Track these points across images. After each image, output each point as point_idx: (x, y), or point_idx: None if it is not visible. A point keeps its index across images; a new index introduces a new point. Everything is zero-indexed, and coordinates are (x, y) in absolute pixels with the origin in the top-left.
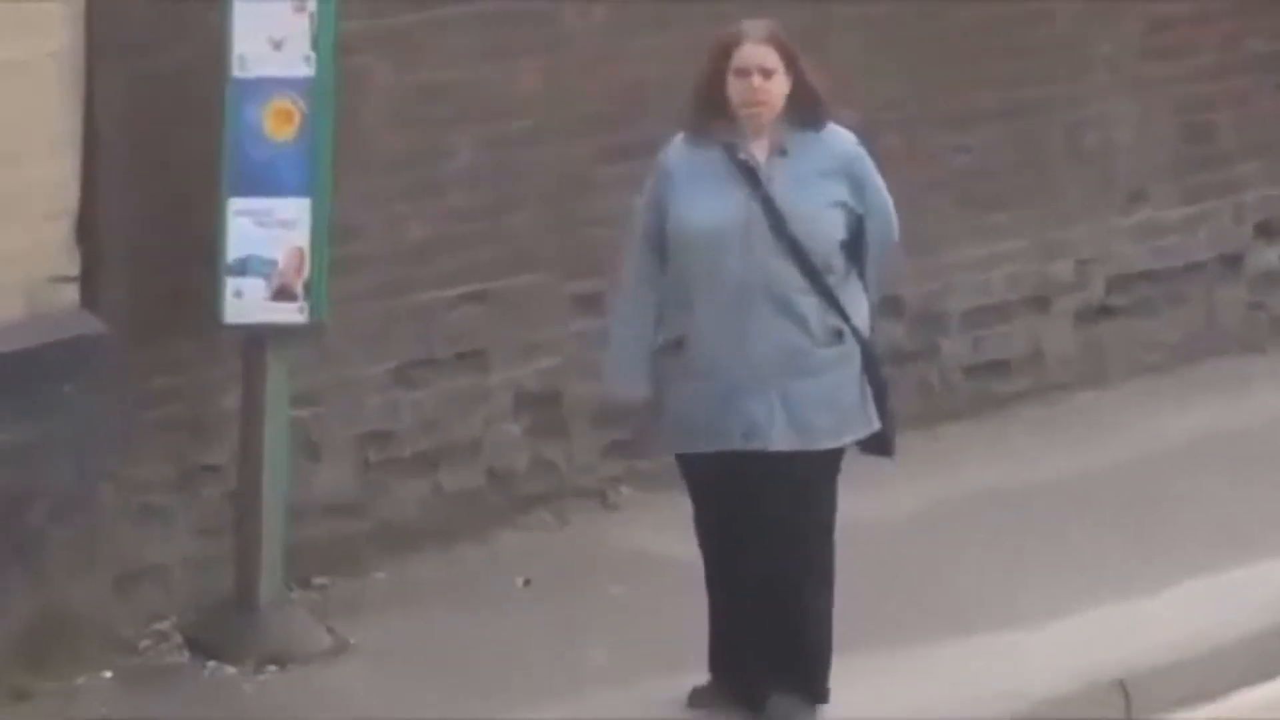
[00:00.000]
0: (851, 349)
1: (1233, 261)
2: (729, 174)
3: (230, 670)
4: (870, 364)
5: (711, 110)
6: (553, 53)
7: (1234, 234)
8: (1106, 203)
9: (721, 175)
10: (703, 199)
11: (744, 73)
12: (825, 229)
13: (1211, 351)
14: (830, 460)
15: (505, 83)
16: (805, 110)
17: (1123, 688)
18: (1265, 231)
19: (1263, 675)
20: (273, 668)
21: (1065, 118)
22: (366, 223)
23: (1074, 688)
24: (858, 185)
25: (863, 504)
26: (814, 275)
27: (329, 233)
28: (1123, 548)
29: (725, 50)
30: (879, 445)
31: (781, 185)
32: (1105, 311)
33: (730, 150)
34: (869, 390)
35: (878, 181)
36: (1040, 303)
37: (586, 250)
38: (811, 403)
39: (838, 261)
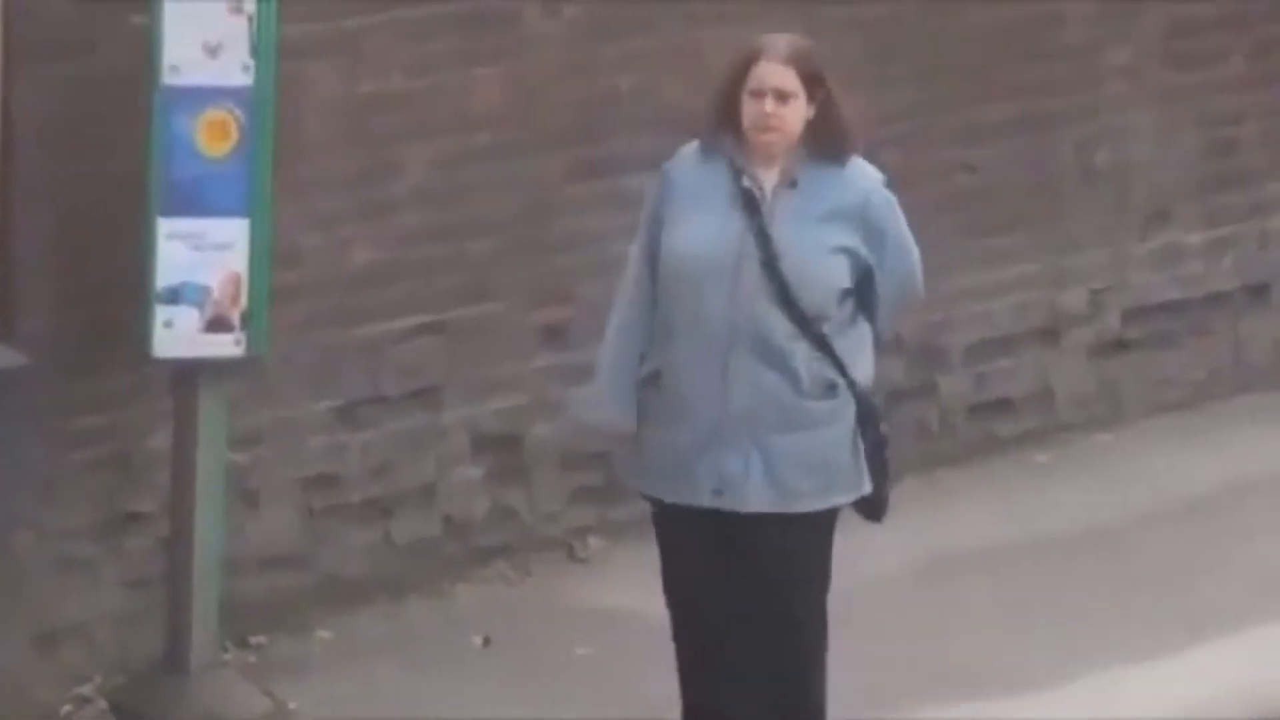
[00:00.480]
0: (845, 403)
1: (1260, 291)
2: (731, 199)
3: None
4: (867, 420)
5: (724, 129)
6: (516, 59)
7: (1262, 261)
8: (1122, 226)
9: (723, 199)
10: (697, 223)
11: (758, 94)
12: (822, 275)
13: (1238, 389)
14: (817, 525)
15: (463, 93)
16: (827, 141)
17: None
18: None
19: None
20: None
21: (1077, 132)
22: (310, 247)
23: None
24: (874, 232)
25: (854, 557)
26: (805, 322)
27: (269, 258)
28: (1142, 607)
29: (743, 65)
30: (868, 509)
31: (782, 221)
32: (1121, 345)
33: (736, 173)
34: (862, 449)
35: (899, 230)
36: (1050, 335)
37: (553, 278)
38: (795, 460)
39: (835, 310)
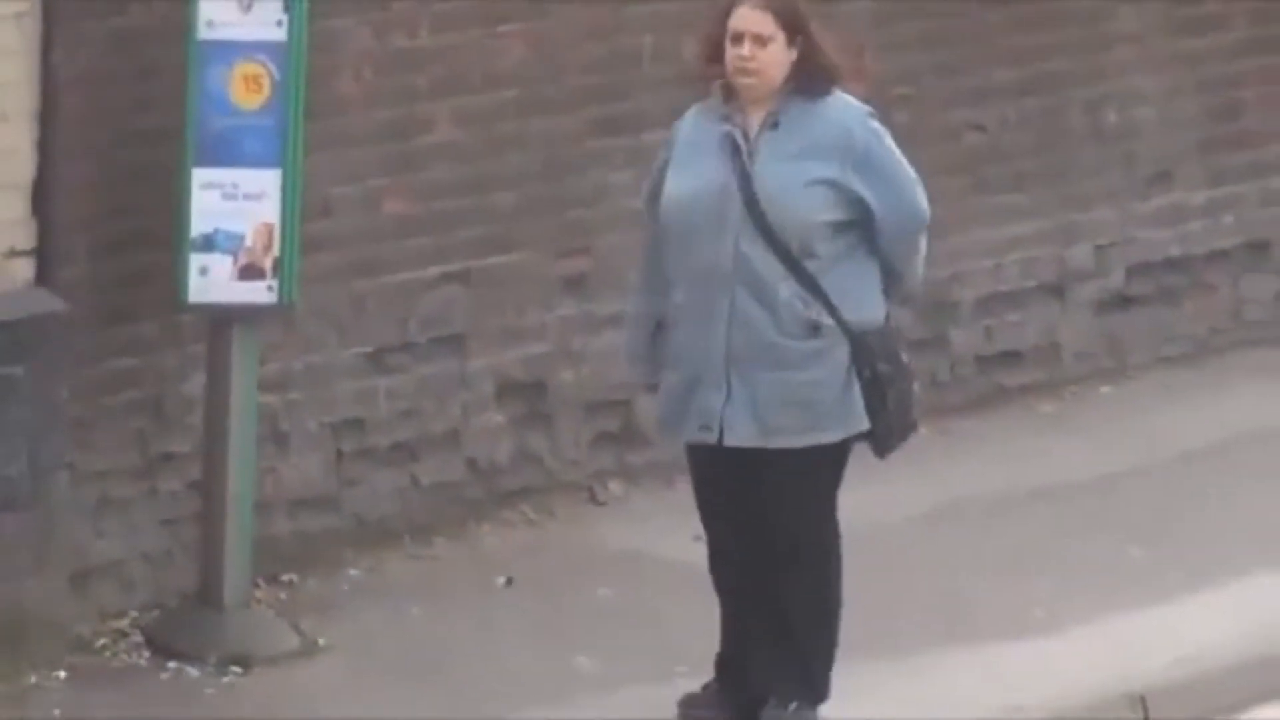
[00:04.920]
0: (834, 343)
1: (1261, 248)
2: (719, 146)
3: (192, 671)
4: (862, 360)
5: (712, 76)
6: (541, 19)
7: (1262, 219)
8: (1128, 185)
9: (713, 147)
10: (688, 172)
11: (737, 39)
12: (801, 210)
13: (1238, 344)
14: (811, 460)
15: (490, 51)
16: (809, 80)
17: (1142, 702)
18: None
19: None
20: (237, 669)
21: (1085, 94)
22: (340, 197)
23: (1088, 699)
24: (861, 161)
25: (864, 503)
26: (790, 261)
27: (300, 207)
28: (1142, 553)
29: (724, 12)
30: (873, 444)
31: (763, 161)
32: (1125, 300)
33: (723, 119)
34: (857, 388)
35: (888, 157)
36: (1056, 291)
37: (575, 229)
38: (776, 398)
39: (822, 245)
